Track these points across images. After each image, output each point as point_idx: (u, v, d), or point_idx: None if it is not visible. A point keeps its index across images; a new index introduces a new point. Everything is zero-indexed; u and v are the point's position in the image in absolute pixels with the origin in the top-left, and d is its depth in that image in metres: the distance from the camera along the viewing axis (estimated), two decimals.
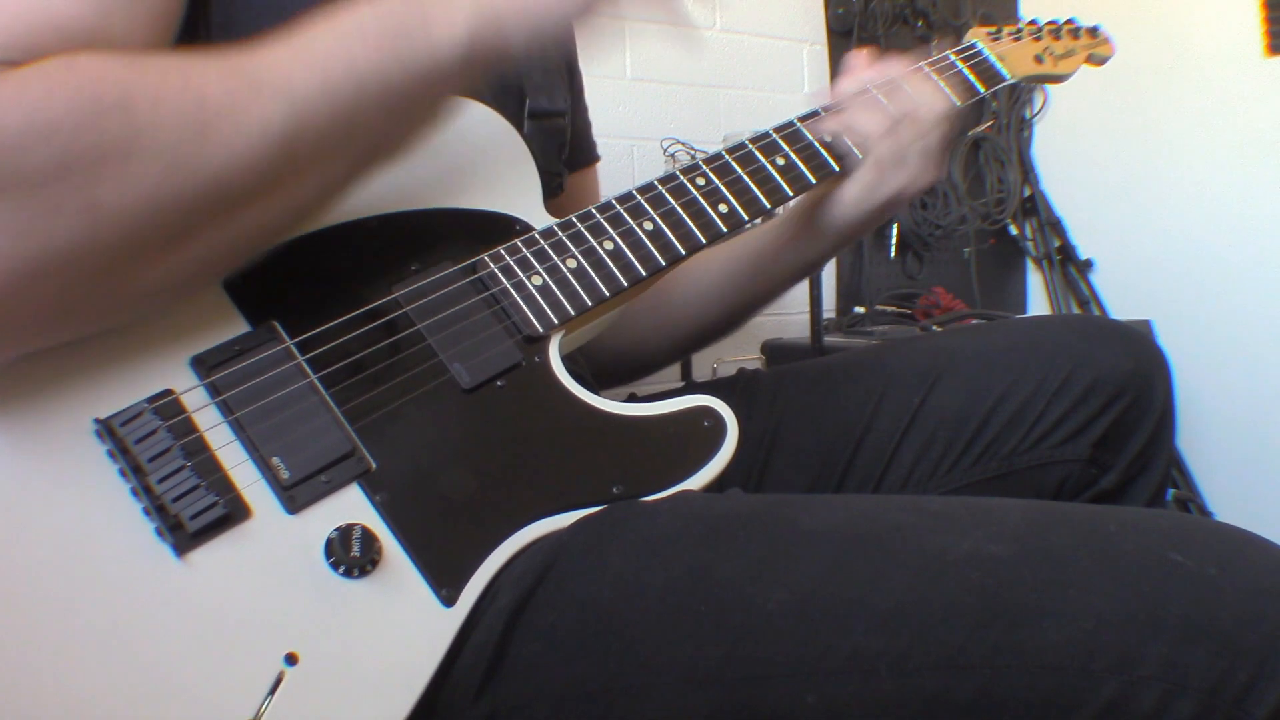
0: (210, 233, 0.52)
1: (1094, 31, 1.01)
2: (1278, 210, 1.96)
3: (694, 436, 0.63)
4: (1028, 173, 2.37)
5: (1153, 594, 0.46)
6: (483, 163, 0.70)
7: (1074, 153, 2.31)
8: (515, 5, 0.59)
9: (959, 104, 0.83)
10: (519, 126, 0.80)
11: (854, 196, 0.79)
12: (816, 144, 0.78)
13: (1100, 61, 1.01)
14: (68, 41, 0.51)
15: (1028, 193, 2.38)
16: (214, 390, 0.55)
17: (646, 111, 1.97)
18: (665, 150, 1.86)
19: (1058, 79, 0.99)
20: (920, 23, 2.23)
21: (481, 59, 0.59)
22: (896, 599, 0.49)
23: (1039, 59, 0.96)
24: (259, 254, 0.58)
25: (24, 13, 0.51)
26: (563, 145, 0.90)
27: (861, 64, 0.84)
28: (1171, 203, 2.13)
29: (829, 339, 1.79)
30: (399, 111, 0.57)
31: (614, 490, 0.60)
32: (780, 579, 0.52)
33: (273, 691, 0.49)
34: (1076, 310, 2.29)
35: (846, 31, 2.16)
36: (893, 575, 0.50)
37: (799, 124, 0.79)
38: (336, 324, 0.59)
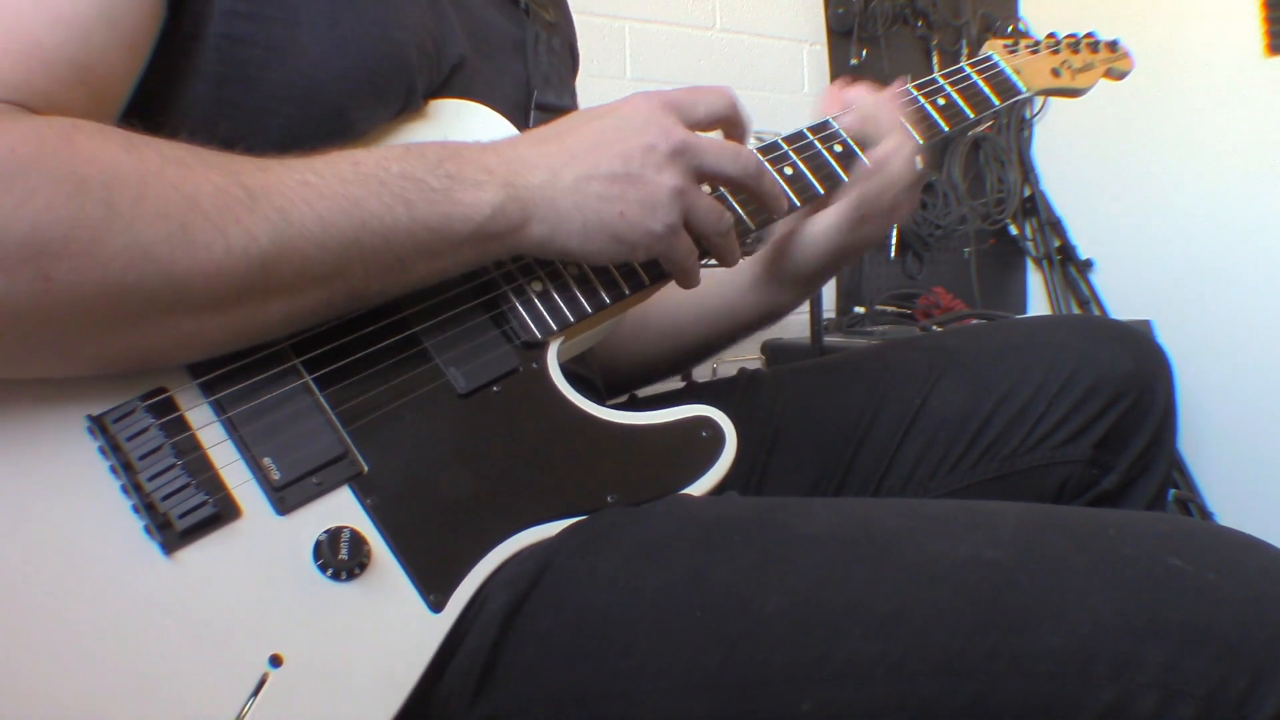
0: (164, 329, 0.51)
1: (1114, 45, 0.98)
2: (1278, 210, 1.96)
3: (691, 446, 0.63)
4: (1028, 173, 2.37)
5: (1151, 599, 0.46)
6: None
7: (1074, 153, 2.31)
8: (552, 213, 0.59)
9: (920, 142, 0.80)
10: (525, 119, 0.79)
11: (826, 224, 0.77)
12: (825, 154, 0.77)
13: (1119, 76, 0.98)
14: (53, 72, 0.51)
15: (1028, 193, 2.38)
16: (207, 389, 0.55)
17: None
18: None
19: (1075, 93, 0.97)
20: (920, 23, 2.22)
21: (493, 245, 0.59)
22: (893, 603, 0.49)
23: (1056, 72, 0.94)
24: (210, 356, 0.56)
25: (10, 46, 0.50)
26: None
27: (840, 93, 0.81)
28: (1171, 203, 2.13)
29: (829, 339, 1.79)
30: (392, 266, 0.56)
31: (608, 499, 0.60)
32: (777, 583, 0.51)
33: (256, 693, 0.49)
34: (1076, 310, 2.29)
35: (846, 31, 2.15)
36: (890, 579, 0.50)
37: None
38: (333, 325, 0.58)
